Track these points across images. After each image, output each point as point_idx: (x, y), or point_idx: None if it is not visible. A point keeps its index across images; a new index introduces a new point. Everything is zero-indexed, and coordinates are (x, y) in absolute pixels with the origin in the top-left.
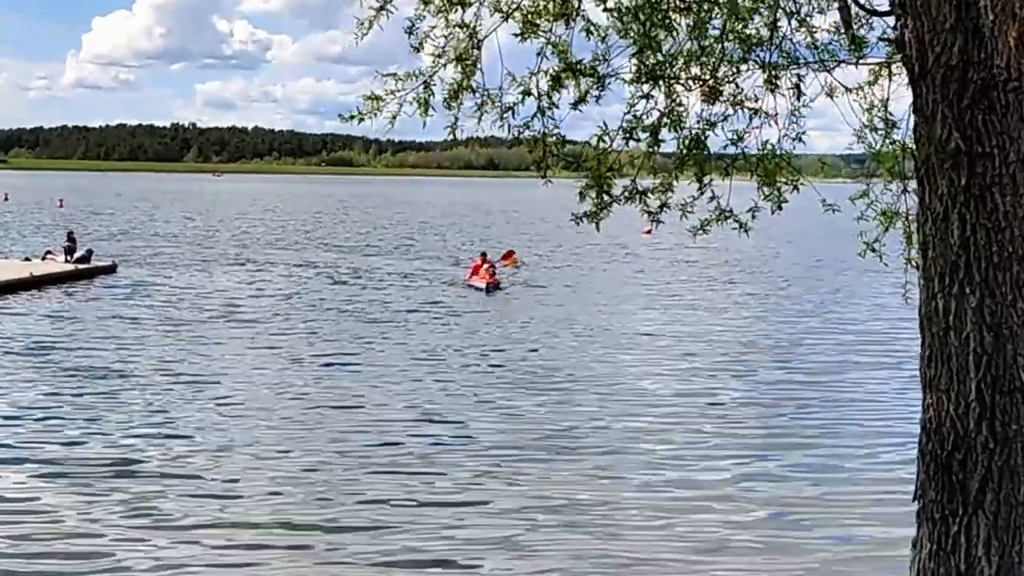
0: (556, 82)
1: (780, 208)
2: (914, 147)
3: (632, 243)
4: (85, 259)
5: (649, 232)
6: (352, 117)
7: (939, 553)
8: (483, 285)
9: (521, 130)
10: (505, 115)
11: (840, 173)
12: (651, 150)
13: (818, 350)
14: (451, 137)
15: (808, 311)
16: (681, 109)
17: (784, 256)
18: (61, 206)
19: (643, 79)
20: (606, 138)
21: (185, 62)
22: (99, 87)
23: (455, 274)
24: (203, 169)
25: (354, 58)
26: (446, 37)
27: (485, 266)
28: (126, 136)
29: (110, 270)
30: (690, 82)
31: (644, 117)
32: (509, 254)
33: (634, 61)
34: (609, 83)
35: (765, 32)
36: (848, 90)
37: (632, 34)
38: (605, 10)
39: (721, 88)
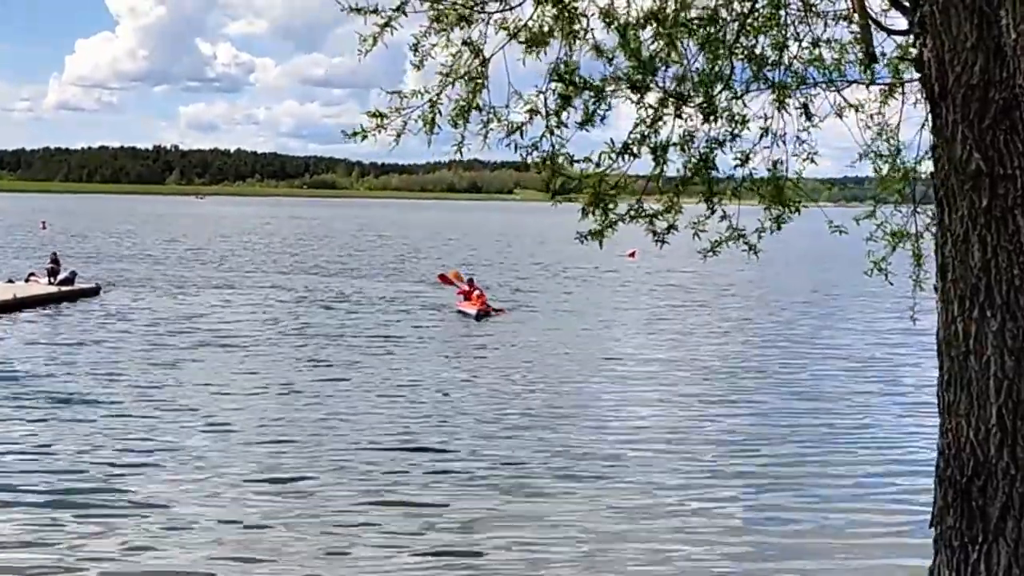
0: (565, 100)
1: (779, 227)
2: (920, 168)
3: (620, 267)
4: (68, 281)
5: (633, 255)
6: (355, 135)
7: None
8: (473, 312)
9: (529, 151)
10: (512, 134)
11: (821, 197)
12: (659, 170)
13: (818, 375)
14: (457, 155)
15: (805, 335)
16: (691, 127)
17: (780, 280)
18: (44, 228)
19: (641, 92)
20: (611, 155)
21: (168, 84)
22: (82, 109)
23: (441, 298)
24: (185, 192)
25: (337, 81)
26: (454, 56)
27: (476, 292)
28: (108, 158)
29: (93, 292)
30: (691, 101)
31: (649, 135)
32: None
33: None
34: (614, 103)
35: (773, 53)
36: (857, 109)
37: (632, 54)
38: (615, 29)
39: (717, 107)
